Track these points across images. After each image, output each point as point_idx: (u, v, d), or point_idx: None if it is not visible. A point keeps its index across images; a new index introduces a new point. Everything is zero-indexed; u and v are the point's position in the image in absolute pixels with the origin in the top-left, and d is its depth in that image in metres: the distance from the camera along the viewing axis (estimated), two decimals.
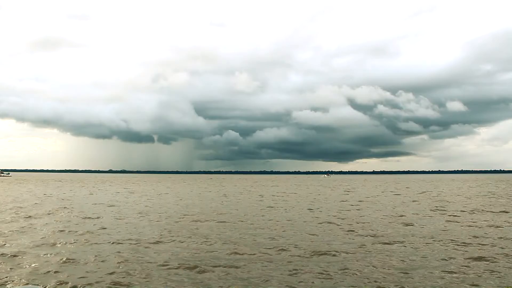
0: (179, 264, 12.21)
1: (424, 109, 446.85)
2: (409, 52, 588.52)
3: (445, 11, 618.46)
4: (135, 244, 15.52)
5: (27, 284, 10.00)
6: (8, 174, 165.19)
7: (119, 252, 13.95)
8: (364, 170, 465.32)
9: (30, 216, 24.10)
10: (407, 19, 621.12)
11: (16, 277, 10.57)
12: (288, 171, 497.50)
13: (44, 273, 11.06)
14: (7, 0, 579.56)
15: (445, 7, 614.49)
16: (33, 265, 11.91)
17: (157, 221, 22.21)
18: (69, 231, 18.51)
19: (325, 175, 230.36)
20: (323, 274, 11.11)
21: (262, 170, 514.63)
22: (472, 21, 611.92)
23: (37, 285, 9.91)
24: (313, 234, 17.71)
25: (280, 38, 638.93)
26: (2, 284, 10.07)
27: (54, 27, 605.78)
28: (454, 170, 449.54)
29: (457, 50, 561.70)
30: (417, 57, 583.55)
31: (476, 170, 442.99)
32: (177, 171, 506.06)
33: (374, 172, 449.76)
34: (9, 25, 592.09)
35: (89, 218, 23.61)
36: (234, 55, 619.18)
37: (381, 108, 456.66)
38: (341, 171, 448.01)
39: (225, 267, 11.78)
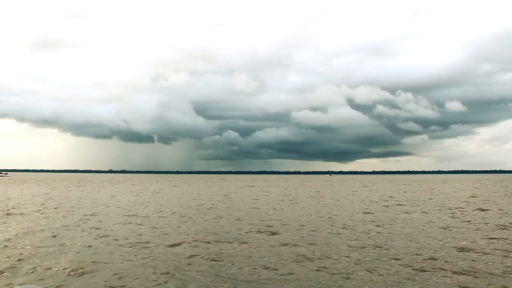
0: None
1: (423, 109, 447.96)
2: (409, 52, 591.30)
3: (445, 11, 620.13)
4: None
5: (28, 284, 9.99)
6: (6, 174, 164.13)
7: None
8: (364, 170, 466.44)
9: None
10: (407, 19, 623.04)
11: None
12: (288, 171, 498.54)
13: None
14: (7, 0, 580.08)
15: (445, 7, 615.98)
16: None
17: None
18: None
19: (328, 175, 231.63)
20: None
21: (262, 170, 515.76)
22: (471, 21, 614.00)
23: (37, 285, 9.91)
24: None
25: (280, 38, 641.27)
26: (2, 284, 10.07)
27: (54, 27, 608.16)
28: (454, 170, 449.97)
29: (456, 50, 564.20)
30: (417, 57, 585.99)
31: (476, 170, 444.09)
32: (177, 171, 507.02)
33: (374, 172, 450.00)
34: (9, 25, 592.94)
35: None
36: (234, 55, 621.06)
37: (380, 108, 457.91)
38: (341, 171, 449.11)
39: None
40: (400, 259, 12.78)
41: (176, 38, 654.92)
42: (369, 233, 17.74)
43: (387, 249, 14.25)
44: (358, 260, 12.69)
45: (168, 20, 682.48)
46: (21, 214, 25.14)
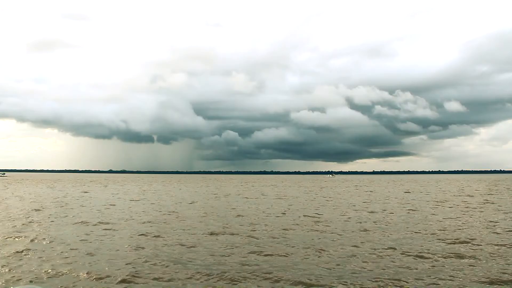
0: None
1: (422, 110, 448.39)
2: (406, 53, 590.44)
3: (442, 13, 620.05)
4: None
5: (27, 284, 10.13)
6: (4, 174, 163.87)
7: None
8: (364, 170, 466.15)
9: None
10: (404, 20, 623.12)
11: None
12: (288, 171, 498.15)
13: None
14: (7, 1, 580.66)
15: (442, 8, 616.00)
16: None
17: None
18: None
19: (330, 175, 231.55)
20: None
21: (262, 170, 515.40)
22: (469, 23, 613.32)
23: (37, 285, 10.05)
24: None
25: (278, 39, 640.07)
26: (3, 284, 10.23)
27: (53, 28, 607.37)
28: (454, 170, 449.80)
29: (454, 51, 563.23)
30: (415, 58, 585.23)
31: (476, 170, 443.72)
32: (177, 171, 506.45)
33: (374, 172, 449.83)
34: (8, 27, 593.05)
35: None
36: (232, 56, 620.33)
37: (379, 109, 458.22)
38: (341, 171, 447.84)
39: None
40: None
41: (174, 38, 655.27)
42: None
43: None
44: None
45: (166, 21, 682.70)
46: None
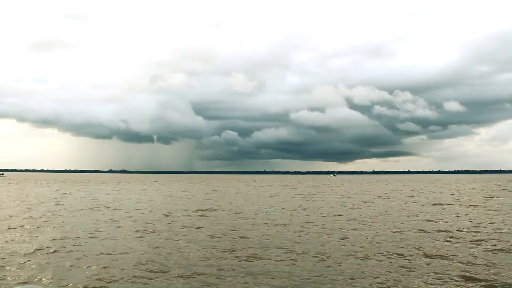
0: None
1: (422, 110, 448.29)
2: (406, 53, 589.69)
3: (442, 13, 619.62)
4: None
5: (27, 284, 10.13)
6: (3, 174, 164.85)
7: None
8: (364, 170, 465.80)
9: None
10: (404, 20, 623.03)
11: None
12: (288, 171, 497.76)
13: None
14: (7, 1, 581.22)
15: (442, 8, 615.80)
16: None
17: None
18: None
19: (332, 175, 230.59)
20: None
21: (262, 170, 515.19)
22: (468, 23, 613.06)
23: (38, 285, 10.06)
24: None
25: (278, 39, 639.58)
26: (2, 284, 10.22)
27: (52, 28, 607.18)
28: (454, 170, 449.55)
29: (454, 51, 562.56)
30: (414, 58, 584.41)
31: (476, 170, 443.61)
32: (177, 171, 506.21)
33: (374, 172, 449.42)
34: (8, 27, 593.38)
35: None
36: (232, 56, 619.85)
37: (378, 109, 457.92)
38: (341, 171, 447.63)
39: None
40: None
41: (174, 38, 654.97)
42: None
43: None
44: None
45: (166, 21, 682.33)
46: None
